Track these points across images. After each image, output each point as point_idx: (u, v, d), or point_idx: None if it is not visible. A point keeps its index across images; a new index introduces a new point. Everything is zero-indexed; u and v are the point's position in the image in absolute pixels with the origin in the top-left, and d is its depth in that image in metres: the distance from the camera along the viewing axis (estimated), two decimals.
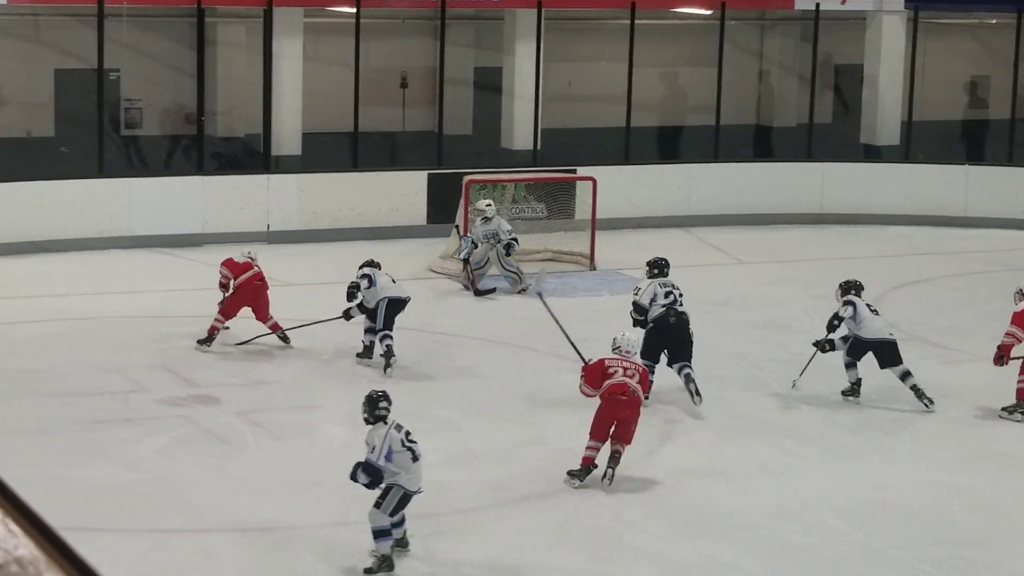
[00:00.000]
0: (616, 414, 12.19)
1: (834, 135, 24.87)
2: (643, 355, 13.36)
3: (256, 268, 15.82)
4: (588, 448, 12.19)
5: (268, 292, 15.84)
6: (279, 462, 12.64)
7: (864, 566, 10.90)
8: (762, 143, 25.81)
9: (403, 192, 20.88)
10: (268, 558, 10.85)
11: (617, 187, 21.42)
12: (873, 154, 23.96)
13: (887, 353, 14.36)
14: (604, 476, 12.06)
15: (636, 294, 14.75)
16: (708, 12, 23.52)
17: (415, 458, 10.61)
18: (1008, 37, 23.92)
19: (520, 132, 22.70)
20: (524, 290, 18.03)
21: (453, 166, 21.39)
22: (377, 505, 10.58)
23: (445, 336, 16.47)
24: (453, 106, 23.01)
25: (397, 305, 15.14)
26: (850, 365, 14.55)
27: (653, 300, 14.52)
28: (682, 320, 14.39)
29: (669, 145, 25.28)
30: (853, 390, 14.53)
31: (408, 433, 10.67)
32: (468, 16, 23.74)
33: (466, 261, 18.20)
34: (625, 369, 12.30)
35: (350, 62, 21.38)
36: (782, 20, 25.82)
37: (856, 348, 14.47)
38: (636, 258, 18.66)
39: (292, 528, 11.23)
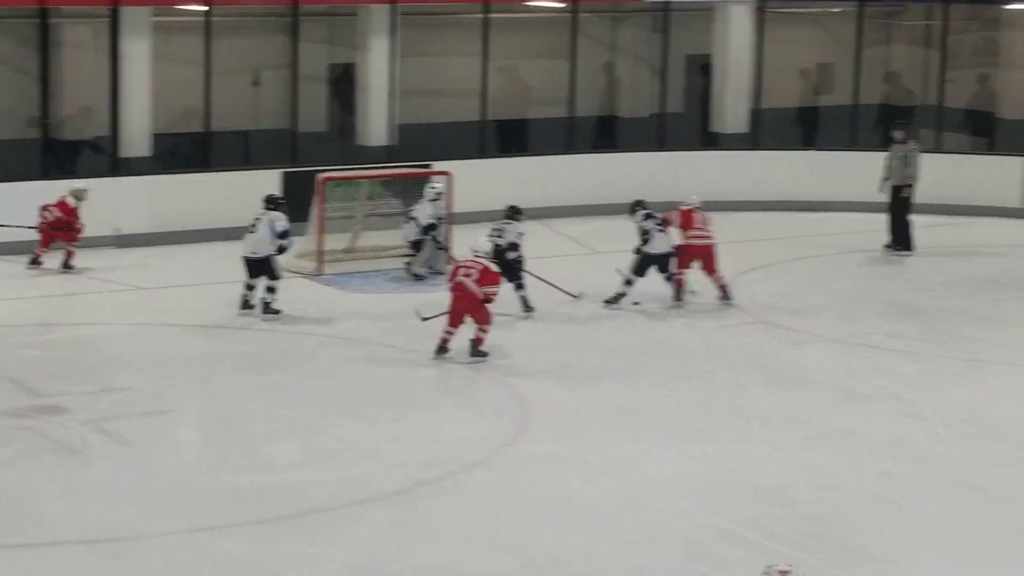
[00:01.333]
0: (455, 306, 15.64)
1: (685, 124, 25.21)
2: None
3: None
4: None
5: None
6: (129, 470, 12.56)
7: (715, 547, 11.15)
8: (615, 134, 26.07)
9: (258, 192, 20.76)
10: (118, 568, 10.80)
11: (473, 181, 21.55)
12: (723, 142, 24.34)
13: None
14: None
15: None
16: (561, 5, 23.73)
17: None
18: (850, 25, 24.40)
19: (375, 128, 22.77)
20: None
21: (308, 164, 21.40)
22: None
23: (300, 335, 16.53)
24: (307, 103, 23.01)
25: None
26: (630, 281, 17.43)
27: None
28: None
29: (523, 138, 25.46)
30: (616, 298, 17.43)
31: None
32: (321, 13, 23.73)
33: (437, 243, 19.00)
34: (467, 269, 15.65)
35: (201, 61, 21.30)
36: (633, 12, 26.10)
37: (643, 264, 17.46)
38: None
39: (142, 537, 11.20)
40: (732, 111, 24.44)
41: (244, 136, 23.39)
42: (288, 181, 20.75)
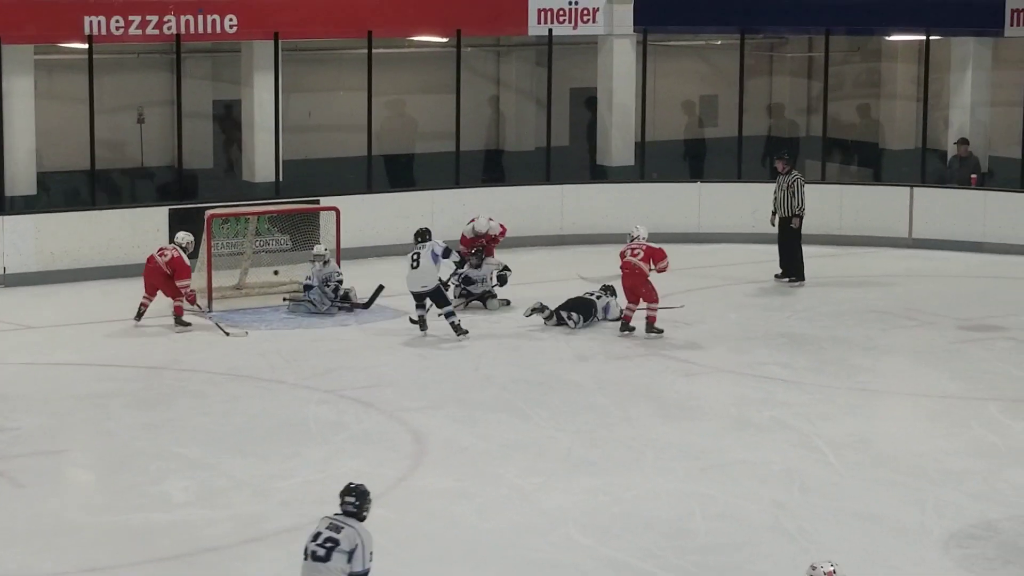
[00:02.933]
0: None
1: (571, 157, 25.33)
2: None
3: None
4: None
5: None
6: (20, 510, 12.36)
7: None
8: (501, 167, 26.15)
9: (145, 228, 20.66)
10: None
11: (360, 216, 21.54)
12: (609, 175, 24.47)
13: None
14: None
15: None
16: (444, 40, 23.77)
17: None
18: (733, 57, 24.64)
19: (261, 164, 22.67)
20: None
21: (195, 201, 21.23)
22: None
23: (190, 372, 16.38)
24: (193, 140, 22.86)
25: None
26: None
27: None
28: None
29: (410, 172, 25.46)
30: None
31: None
32: (205, 49, 23.62)
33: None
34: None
35: (85, 98, 21.10)
36: (517, 46, 26.22)
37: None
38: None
39: None
40: (618, 144, 24.60)
41: (129, 173, 23.20)
42: (174, 218, 20.58)
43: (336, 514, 9.34)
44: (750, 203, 22.89)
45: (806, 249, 20.85)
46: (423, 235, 18.02)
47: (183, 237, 18.42)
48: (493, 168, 26.02)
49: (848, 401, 15.66)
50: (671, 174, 24.60)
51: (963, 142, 24.50)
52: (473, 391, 15.80)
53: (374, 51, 22.75)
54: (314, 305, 18.75)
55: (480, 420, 14.85)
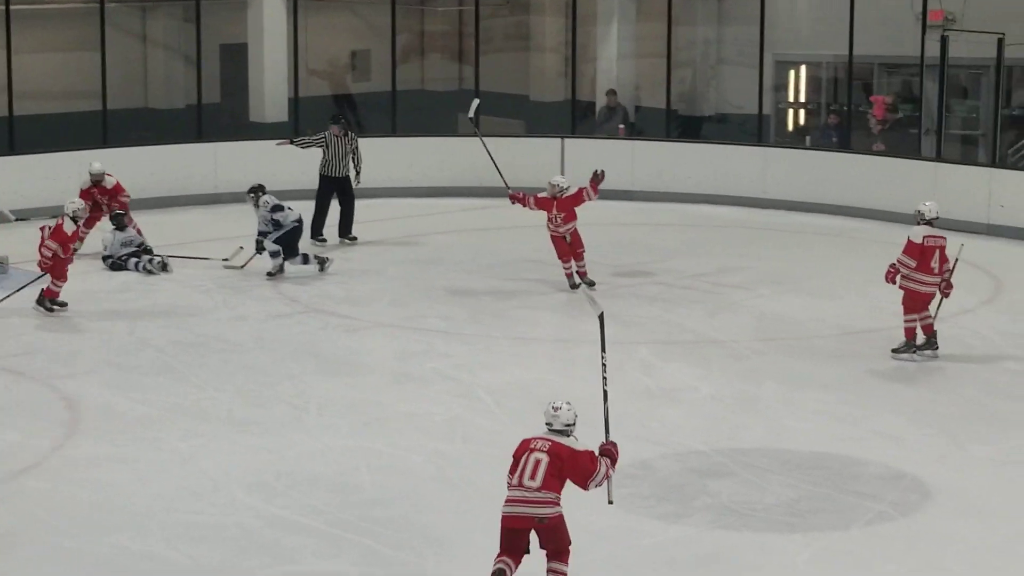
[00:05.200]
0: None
1: (224, 114, 24.97)
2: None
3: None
4: None
5: None
6: None
7: (279, 538, 11.04)
8: (152, 126, 25.61)
9: None
10: None
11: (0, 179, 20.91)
12: (263, 131, 24.19)
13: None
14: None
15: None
16: None
17: None
18: (384, 11, 24.61)
19: None
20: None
21: None
22: None
23: None
24: None
25: None
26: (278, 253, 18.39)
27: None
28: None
29: (59, 133, 24.73)
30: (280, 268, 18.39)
31: None
32: None
33: None
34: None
35: None
36: (164, 2, 25.70)
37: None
38: (23, 252, 18.24)
39: None
40: (271, 100, 24.35)
41: None
42: None
43: None
44: (406, 156, 22.93)
45: (468, 202, 20.94)
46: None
47: None
48: (142, 126, 25.45)
49: (508, 350, 15.86)
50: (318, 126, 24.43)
51: (611, 93, 25.00)
52: (128, 355, 15.46)
53: (12, 7, 22.00)
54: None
55: (137, 384, 14.53)
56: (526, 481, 9.83)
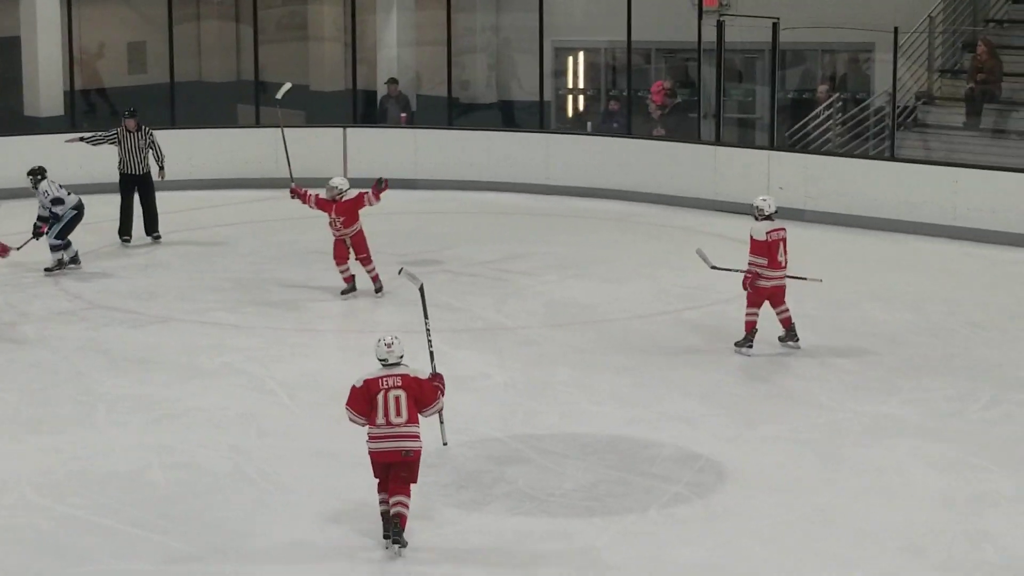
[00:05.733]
0: None
1: None
2: None
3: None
4: None
5: None
6: None
7: (71, 538, 10.84)
8: None
9: None
10: None
11: None
12: (40, 125, 23.69)
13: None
14: None
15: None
16: None
17: None
18: (160, 3, 24.26)
19: None
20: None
21: None
22: None
23: None
24: None
25: None
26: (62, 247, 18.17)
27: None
28: None
29: None
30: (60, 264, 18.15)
31: None
32: None
33: None
34: None
35: None
36: None
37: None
38: None
39: None
40: (46, 94, 23.84)
41: None
42: None
43: None
44: (186, 149, 22.64)
45: (246, 193, 20.73)
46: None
47: None
48: None
49: (298, 341, 15.76)
50: (104, 123, 23.95)
51: (392, 82, 24.96)
52: None
53: None
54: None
55: None
56: (392, 419, 10.35)
